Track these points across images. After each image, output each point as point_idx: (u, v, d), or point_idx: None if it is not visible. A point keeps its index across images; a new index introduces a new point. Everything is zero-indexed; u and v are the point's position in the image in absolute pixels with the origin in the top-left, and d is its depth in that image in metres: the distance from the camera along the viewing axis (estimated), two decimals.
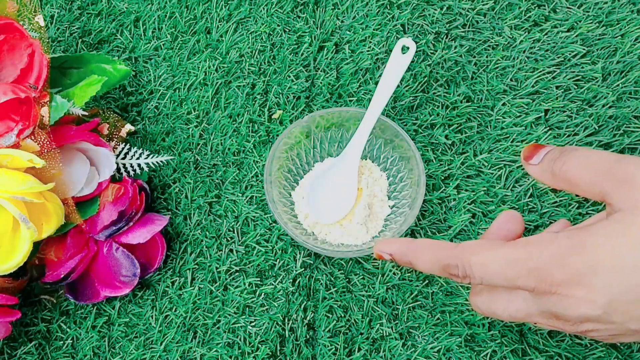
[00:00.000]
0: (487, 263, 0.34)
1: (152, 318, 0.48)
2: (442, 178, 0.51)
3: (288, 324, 0.47)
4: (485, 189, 0.49)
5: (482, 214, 0.49)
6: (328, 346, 0.46)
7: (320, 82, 0.54)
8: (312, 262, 0.49)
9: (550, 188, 0.49)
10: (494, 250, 0.34)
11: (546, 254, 0.32)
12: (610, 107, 0.51)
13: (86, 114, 0.48)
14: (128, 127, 0.51)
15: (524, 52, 0.54)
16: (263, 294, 0.48)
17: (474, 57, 0.54)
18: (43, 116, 0.44)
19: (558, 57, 0.53)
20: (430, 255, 0.37)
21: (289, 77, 0.55)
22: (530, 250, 0.33)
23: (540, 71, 0.53)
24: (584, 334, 0.34)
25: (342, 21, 0.57)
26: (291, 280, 0.48)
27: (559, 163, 0.35)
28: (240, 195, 0.51)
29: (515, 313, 0.36)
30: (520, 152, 0.50)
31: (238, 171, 0.52)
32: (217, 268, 0.49)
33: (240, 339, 0.47)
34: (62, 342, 0.48)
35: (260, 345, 0.47)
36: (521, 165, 0.50)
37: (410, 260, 0.38)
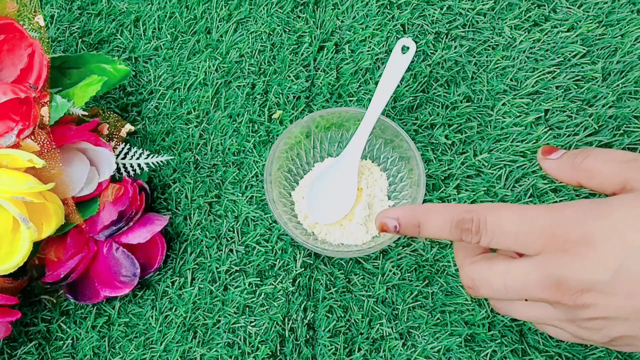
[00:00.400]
0: (503, 217, 0.34)
1: (152, 318, 0.48)
2: (442, 178, 0.51)
3: (288, 324, 0.47)
4: (485, 189, 0.49)
5: None
6: (328, 346, 0.46)
7: (320, 82, 0.54)
8: (312, 262, 0.49)
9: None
10: (511, 207, 0.34)
11: (566, 214, 0.33)
12: (610, 107, 0.51)
13: (86, 114, 0.48)
14: (128, 127, 0.51)
15: (524, 52, 0.54)
16: (263, 294, 0.48)
17: (474, 57, 0.54)
18: (43, 116, 0.44)
19: (558, 57, 0.53)
20: (443, 212, 0.36)
21: (289, 77, 0.55)
22: (549, 210, 0.33)
23: (540, 71, 0.53)
24: (579, 317, 0.33)
25: (342, 21, 0.57)
26: (291, 280, 0.48)
27: (580, 157, 0.36)
28: (240, 195, 0.51)
29: (513, 282, 0.34)
30: (520, 152, 0.50)
31: (238, 171, 0.52)
32: (217, 268, 0.49)
33: (240, 339, 0.47)
34: (62, 342, 0.48)
35: (260, 345, 0.47)
36: (521, 166, 0.50)
37: (419, 222, 0.37)
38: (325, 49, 0.56)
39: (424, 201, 0.49)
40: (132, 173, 0.50)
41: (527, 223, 0.33)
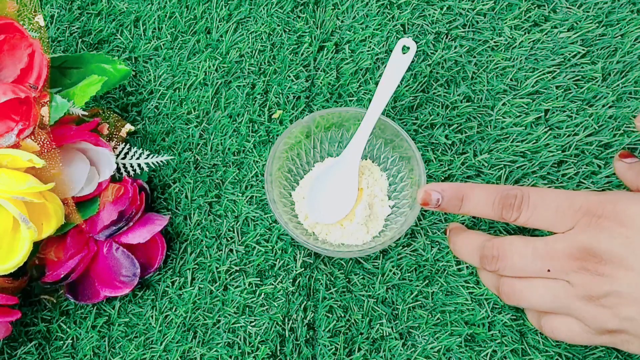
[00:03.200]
0: (545, 194, 0.38)
1: (152, 318, 0.48)
2: (442, 178, 0.51)
3: (288, 324, 0.47)
4: None
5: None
6: (328, 346, 0.46)
7: (320, 82, 0.54)
8: (312, 262, 0.49)
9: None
10: (554, 189, 0.39)
11: (604, 196, 0.36)
12: (610, 107, 0.51)
13: (86, 114, 0.48)
14: (128, 127, 0.51)
15: (524, 52, 0.54)
16: (263, 294, 0.48)
17: (474, 57, 0.54)
18: (43, 116, 0.44)
19: (558, 57, 0.53)
20: (488, 189, 0.40)
21: (289, 77, 0.55)
22: (589, 192, 0.37)
23: (540, 71, 0.53)
24: (597, 284, 0.35)
25: (342, 21, 0.57)
26: (291, 280, 0.48)
27: None
28: (240, 195, 0.51)
29: (542, 246, 0.37)
30: (520, 152, 0.50)
31: (238, 171, 0.52)
32: (217, 268, 0.49)
33: (240, 339, 0.47)
34: (62, 342, 0.48)
35: (260, 345, 0.47)
36: (521, 166, 0.50)
37: (463, 195, 0.40)
38: (325, 49, 0.56)
39: None
40: (132, 173, 0.50)
41: (568, 199, 0.37)
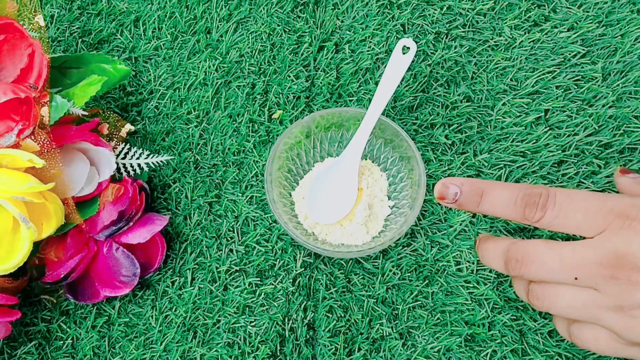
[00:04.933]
0: (573, 194, 0.34)
1: (152, 318, 0.48)
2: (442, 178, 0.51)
3: (288, 324, 0.47)
4: None
5: (482, 214, 0.49)
6: (328, 346, 0.46)
7: (320, 82, 0.54)
8: (312, 261, 0.49)
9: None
10: (582, 190, 0.35)
11: (637, 198, 0.33)
12: (610, 107, 0.51)
13: (86, 114, 0.48)
14: (128, 127, 0.51)
15: (524, 52, 0.54)
16: (263, 293, 0.48)
17: (474, 57, 0.54)
18: (43, 116, 0.44)
19: (558, 57, 0.53)
20: (509, 187, 0.36)
21: (289, 77, 0.55)
22: (618, 195, 0.34)
23: (540, 71, 0.53)
24: (629, 293, 0.32)
25: (342, 21, 0.57)
26: (291, 280, 0.48)
27: None
28: (240, 195, 0.51)
29: (570, 254, 0.34)
30: (520, 152, 0.50)
31: (238, 171, 0.52)
32: (217, 268, 0.49)
33: (240, 339, 0.47)
34: (62, 342, 0.48)
35: (260, 345, 0.47)
36: (521, 166, 0.50)
37: (483, 191, 0.36)
38: (325, 49, 0.56)
39: (424, 201, 0.49)
40: (132, 173, 0.50)
41: (598, 200, 0.34)
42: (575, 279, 0.34)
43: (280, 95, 0.54)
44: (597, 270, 0.33)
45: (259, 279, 0.49)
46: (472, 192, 0.37)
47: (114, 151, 0.49)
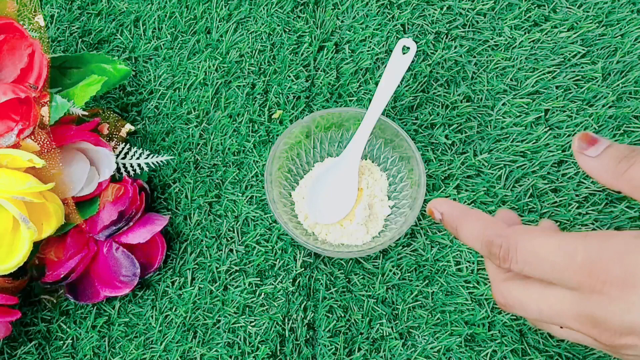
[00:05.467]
0: (536, 246, 0.31)
1: (152, 318, 0.48)
2: (442, 178, 0.51)
3: (288, 324, 0.47)
4: (485, 189, 0.49)
5: None
6: (328, 346, 0.46)
7: (320, 82, 0.54)
8: (312, 261, 0.49)
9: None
10: (546, 237, 0.30)
11: (607, 248, 0.29)
12: (610, 107, 0.51)
13: (86, 114, 0.48)
14: (128, 127, 0.51)
15: (524, 52, 0.54)
16: (263, 293, 0.48)
17: (474, 57, 0.54)
18: (43, 116, 0.44)
19: (558, 57, 0.53)
20: (478, 227, 0.34)
21: (289, 77, 0.55)
22: (589, 242, 0.29)
23: (540, 71, 0.53)
24: (618, 352, 0.30)
25: (342, 21, 0.57)
26: (291, 280, 0.48)
27: (625, 163, 0.32)
28: (240, 195, 0.51)
29: (548, 309, 0.31)
30: (520, 152, 0.50)
31: (238, 171, 0.52)
32: (217, 268, 0.49)
33: (240, 339, 0.47)
34: (62, 342, 0.48)
35: (260, 345, 0.47)
36: (521, 166, 0.50)
37: (456, 227, 0.35)
38: (325, 49, 0.56)
39: (425, 201, 0.49)
40: (132, 173, 0.50)
41: (564, 256, 0.30)
42: (561, 327, 0.32)
43: (280, 95, 0.54)
44: (578, 326, 0.31)
45: (259, 279, 0.49)
46: (449, 223, 0.36)
47: (114, 151, 0.49)
